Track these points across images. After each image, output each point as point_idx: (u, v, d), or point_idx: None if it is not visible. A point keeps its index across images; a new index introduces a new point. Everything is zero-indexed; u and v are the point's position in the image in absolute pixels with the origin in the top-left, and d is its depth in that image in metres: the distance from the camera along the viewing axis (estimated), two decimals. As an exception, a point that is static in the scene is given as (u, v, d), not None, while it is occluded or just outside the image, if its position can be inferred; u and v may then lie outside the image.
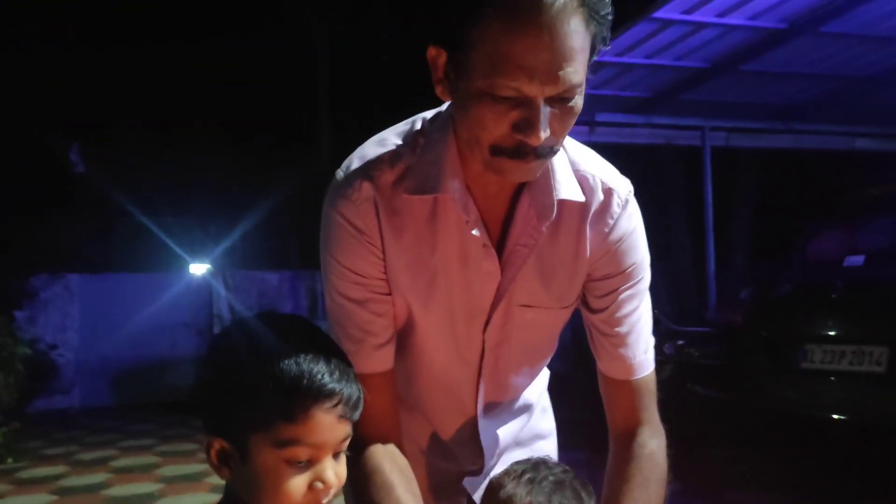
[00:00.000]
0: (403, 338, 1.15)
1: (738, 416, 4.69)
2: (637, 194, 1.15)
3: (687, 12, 4.39)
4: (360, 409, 0.94)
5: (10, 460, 5.67)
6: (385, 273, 1.08)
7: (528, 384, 1.29)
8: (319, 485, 0.89)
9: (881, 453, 3.47)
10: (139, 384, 8.92)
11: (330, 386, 0.89)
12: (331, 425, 0.89)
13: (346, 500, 1.17)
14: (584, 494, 1.03)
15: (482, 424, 1.23)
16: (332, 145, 10.03)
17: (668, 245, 7.63)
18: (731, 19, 4.50)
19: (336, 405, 0.90)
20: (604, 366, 1.17)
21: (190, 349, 9.28)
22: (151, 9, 10.51)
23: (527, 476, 1.03)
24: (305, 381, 0.88)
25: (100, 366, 8.74)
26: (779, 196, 7.30)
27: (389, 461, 1.08)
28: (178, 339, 9.16)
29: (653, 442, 1.14)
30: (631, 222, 1.12)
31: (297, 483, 0.88)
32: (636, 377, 1.15)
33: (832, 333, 3.74)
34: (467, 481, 1.27)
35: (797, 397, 3.89)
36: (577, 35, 0.87)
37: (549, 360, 1.30)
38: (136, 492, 4.78)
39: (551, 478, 1.03)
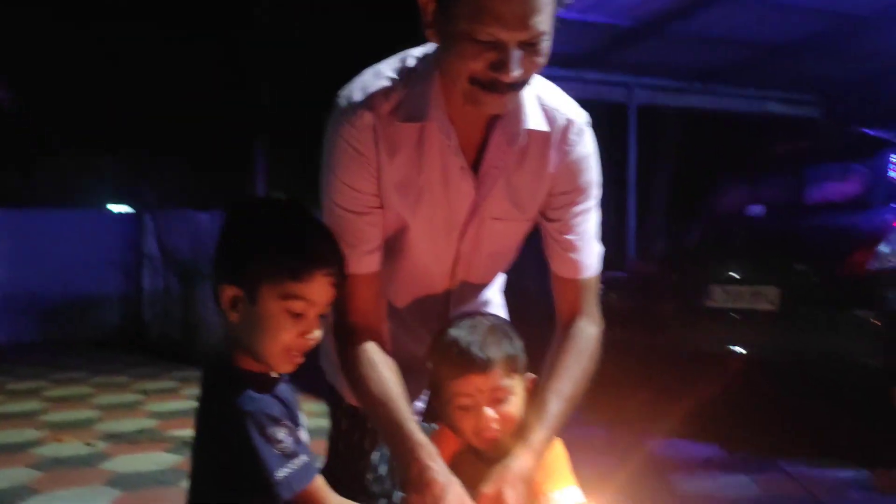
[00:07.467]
0: (391, 243, 1.36)
1: (652, 355, 5.07)
2: None
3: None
4: (345, 281, 1.20)
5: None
6: (379, 190, 1.29)
7: (491, 284, 1.55)
8: (311, 336, 1.16)
9: (774, 385, 3.89)
10: (66, 321, 8.87)
11: (330, 256, 1.18)
12: (325, 288, 1.16)
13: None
14: (513, 337, 1.30)
15: (452, 315, 1.48)
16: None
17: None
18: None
19: (332, 273, 1.16)
20: (555, 266, 1.41)
21: (117, 287, 9.23)
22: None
23: (467, 322, 1.29)
24: (313, 250, 1.16)
25: (25, 302, 8.65)
26: (696, 155, 7.74)
27: (380, 355, 1.32)
28: (105, 277, 9.11)
29: (590, 328, 1.38)
30: (586, 148, 1.35)
31: (291, 329, 1.14)
32: (582, 276, 1.38)
33: (732, 275, 4.15)
34: None
35: (701, 334, 4.30)
36: None
37: (509, 266, 1.56)
38: (74, 418, 4.87)
39: (486, 323, 1.30)
